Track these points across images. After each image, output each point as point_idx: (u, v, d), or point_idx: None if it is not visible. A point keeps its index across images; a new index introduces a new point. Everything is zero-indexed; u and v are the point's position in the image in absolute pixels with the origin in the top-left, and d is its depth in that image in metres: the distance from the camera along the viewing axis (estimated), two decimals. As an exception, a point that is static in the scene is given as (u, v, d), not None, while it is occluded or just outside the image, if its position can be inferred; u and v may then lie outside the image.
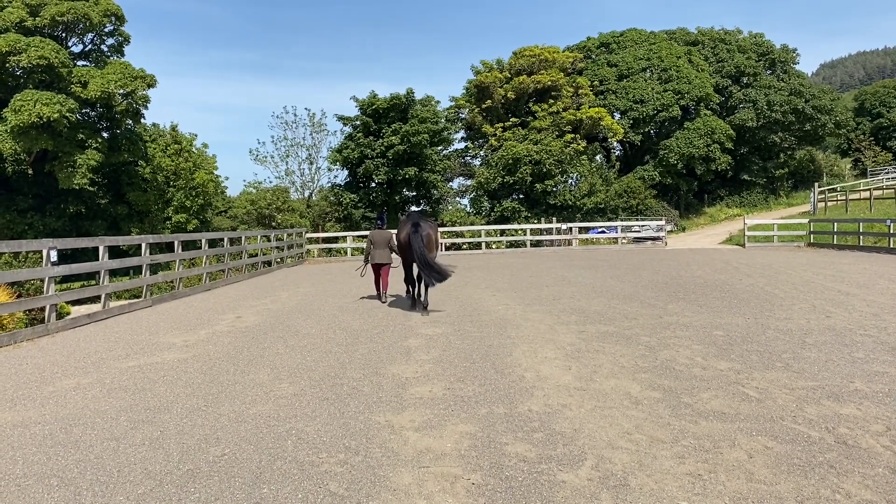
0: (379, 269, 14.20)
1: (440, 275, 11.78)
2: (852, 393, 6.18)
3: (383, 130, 41.18)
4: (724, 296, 13.04)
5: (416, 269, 12.66)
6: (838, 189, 46.80)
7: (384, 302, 13.93)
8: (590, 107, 48.80)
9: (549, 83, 48.61)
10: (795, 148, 59.53)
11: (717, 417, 5.55)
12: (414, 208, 43.78)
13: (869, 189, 44.04)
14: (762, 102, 54.72)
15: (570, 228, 35.31)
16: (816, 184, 46.86)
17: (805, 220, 32.37)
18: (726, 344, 8.43)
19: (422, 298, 12.58)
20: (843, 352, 7.85)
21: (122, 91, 38.26)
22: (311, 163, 54.35)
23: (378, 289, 14.31)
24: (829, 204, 43.62)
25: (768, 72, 59.17)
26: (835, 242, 27.87)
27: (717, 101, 54.30)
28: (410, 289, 13.56)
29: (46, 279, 11.73)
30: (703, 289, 14.28)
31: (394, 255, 14.06)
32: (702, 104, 52.52)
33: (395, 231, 13.68)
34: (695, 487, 4.23)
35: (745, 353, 7.91)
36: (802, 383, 6.53)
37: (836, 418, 5.48)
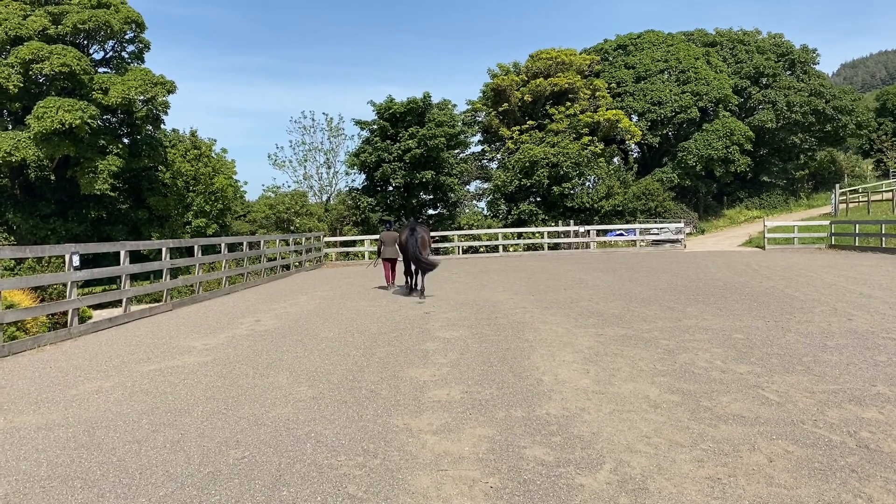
0: (387, 263, 17.72)
1: (429, 265, 15.58)
2: (874, 396, 6.11)
3: (400, 134, 41.25)
4: (743, 298, 12.94)
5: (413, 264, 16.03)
6: (860, 190, 46.25)
7: (390, 289, 17.21)
8: (607, 109, 48.62)
9: (566, 85, 48.52)
10: (816, 149, 58.88)
11: (737, 421, 5.51)
12: (431, 211, 44.00)
13: (892, 190, 43.44)
14: (782, 103, 54.22)
15: (588, 231, 35.21)
16: (837, 185, 46.34)
17: (826, 222, 32.02)
18: (746, 347, 8.37)
19: (418, 287, 15.79)
20: (865, 355, 7.76)
21: (142, 97, 38.64)
22: (329, 167, 54.57)
23: (386, 279, 17.85)
24: (851, 205, 43.12)
25: (788, 72, 58.63)
26: (856, 244, 27.53)
27: (736, 103, 53.90)
28: (408, 279, 16.72)
29: (69, 284, 11.89)
30: (722, 291, 14.18)
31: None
32: (720, 105, 52.16)
33: (396, 235, 17.40)
34: (714, 491, 4.20)
35: (765, 356, 7.85)
36: (823, 387, 6.47)
37: (857, 422, 5.42)
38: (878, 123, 67.33)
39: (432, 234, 34.38)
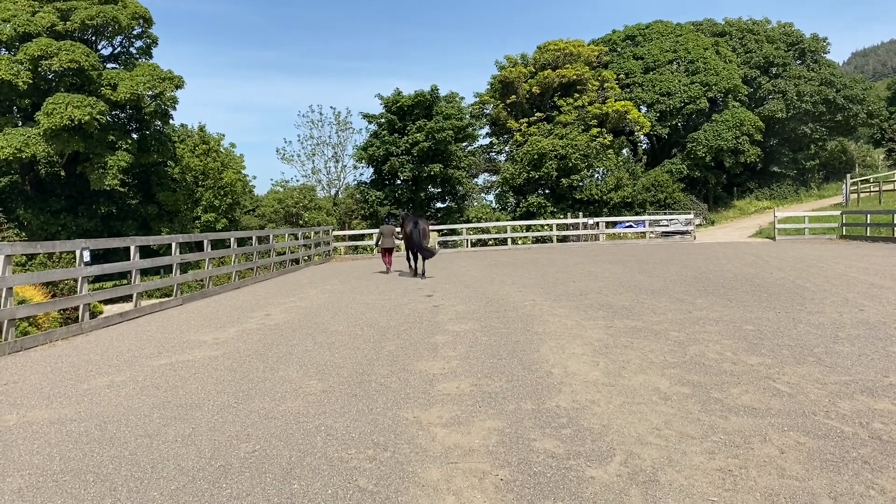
0: (385, 252, 21.29)
1: (430, 253, 18.61)
2: (887, 387, 6.07)
3: (408, 128, 41.26)
4: (754, 290, 12.88)
5: (414, 251, 19.15)
6: (871, 180, 45.86)
7: (388, 273, 20.40)
8: (616, 100, 48.40)
9: (575, 77, 48.30)
10: (826, 139, 58.42)
11: (748, 413, 5.49)
12: (440, 205, 44.07)
13: (903, 179, 43.16)
14: (792, 93, 53.84)
15: (597, 223, 35.10)
16: (848, 175, 45.98)
17: (837, 213, 31.80)
18: (757, 338, 8.33)
19: (420, 270, 18.70)
20: (877, 346, 7.71)
21: (150, 93, 38.79)
22: (337, 161, 54.69)
23: (386, 265, 21.34)
24: (862, 195, 42.80)
25: (798, 62, 58.21)
26: (868, 235, 27.34)
27: (746, 93, 53.54)
28: (410, 264, 19.49)
29: (80, 279, 11.95)
30: (732, 283, 14.11)
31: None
32: (730, 96, 51.83)
33: (396, 227, 21.37)
34: (725, 483, 4.19)
35: (775, 347, 7.81)
36: (835, 378, 6.44)
37: (870, 413, 5.39)
38: (890, 112, 66.71)
39: (441, 227, 34.98)
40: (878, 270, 15.53)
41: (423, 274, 18.49)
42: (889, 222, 26.58)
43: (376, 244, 22.12)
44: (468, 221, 39.80)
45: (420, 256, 18.67)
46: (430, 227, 20.14)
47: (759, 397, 5.90)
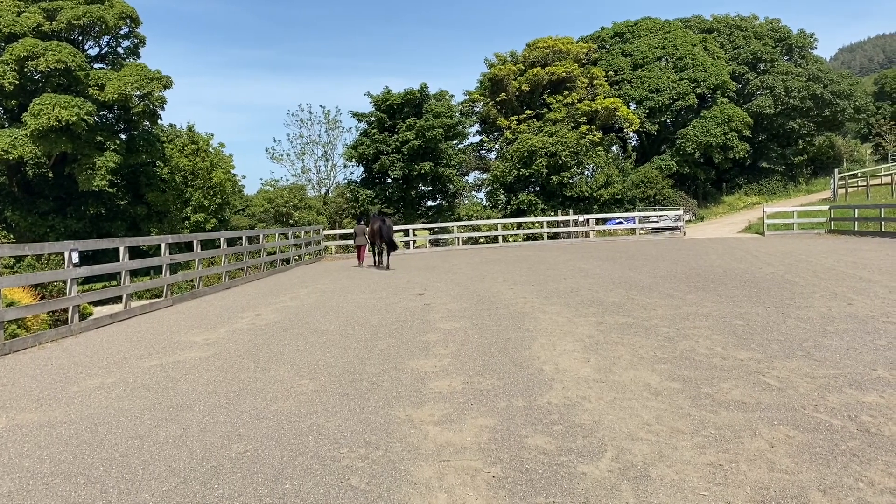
0: (358, 248, 24.33)
1: (395, 247, 22.84)
2: (875, 381, 6.12)
3: (398, 126, 41.20)
4: (743, 285, 12.94)
5: (378, 247, 22.68)
6: (859, 175, 46.15)
7: (361, 267, 23.35)
8: (605, 97, 48.49)
9: (564, 74, 48.38)
10: (814, 134, 58.78)
11: (738, 407, 5.52)
12: (430, 203, 44.05)
13: (890, 174, 43.48)
14: (780, 89, 54.11)
15: (587, 220, 35.18)
16: (836, 170, 46.27)
17: (825, 207, 32.00)
18: (746, 333, 8.38)
19: (384, 263, 21.90)
20: (866, 339, 7.77)
21: (138, 93, 38.52)
22: (327, 160, 54.46)
23: (359, 259, 24.32)
24: (850, 190, 43.07)
25: (785, 58, 58.52)
26: (856, 229, 27.54)
27: (734, 89, 53.76)
28: (376, 258, 23.06)
29: (69, 281, 11.88)
30: (722, 278, 14.18)
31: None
32: (718, 92, 52.04)
33: (366, 227, 23.71)
34: (716, 478, 4.22)
35: (765, 342, 7.86)
36: (824, 372, 6.48)
37: (858, 406, 5.43)
38: (877, 107, 67.18)
39: (432, 225, 35.40)
40: (865, 264, 15.64)
41: (388, 265, 21.64)
42: (876, 216, 26.77)
43: (354, 241, 25.21)
44: (459, 219, 39.83)
45: (386, 250, 21.90)
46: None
47: (748, 392, 5.93)
